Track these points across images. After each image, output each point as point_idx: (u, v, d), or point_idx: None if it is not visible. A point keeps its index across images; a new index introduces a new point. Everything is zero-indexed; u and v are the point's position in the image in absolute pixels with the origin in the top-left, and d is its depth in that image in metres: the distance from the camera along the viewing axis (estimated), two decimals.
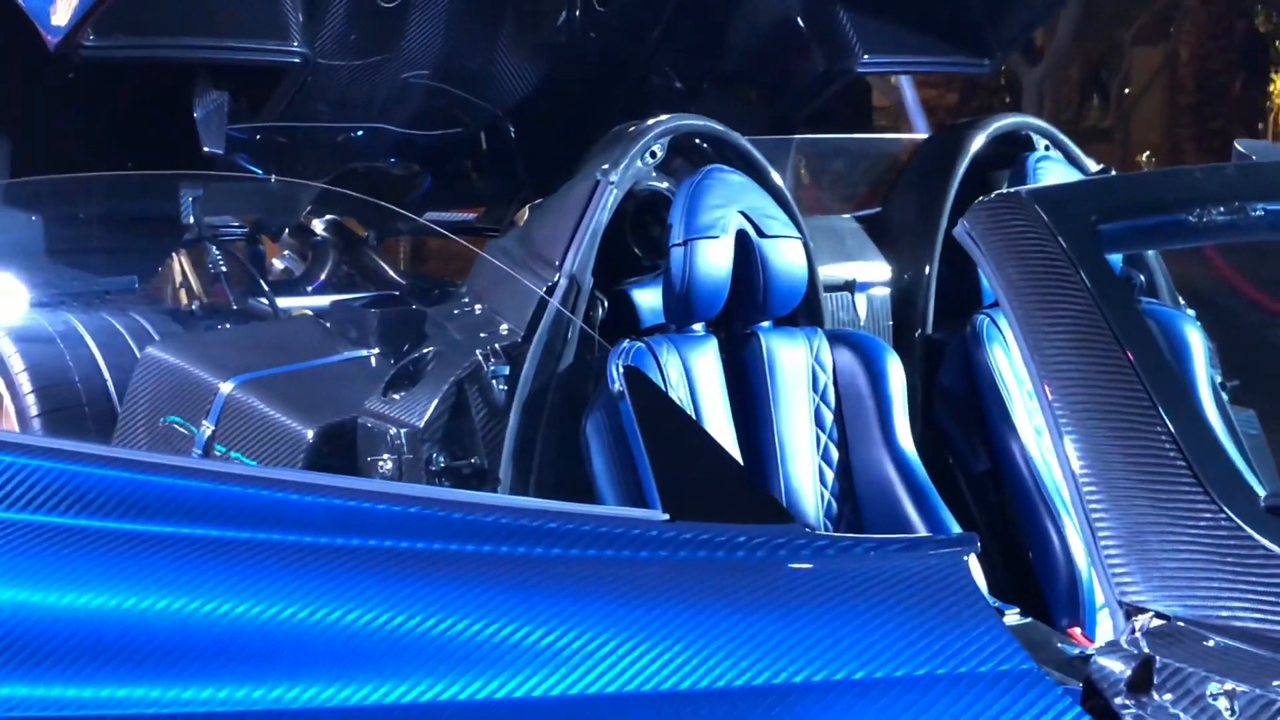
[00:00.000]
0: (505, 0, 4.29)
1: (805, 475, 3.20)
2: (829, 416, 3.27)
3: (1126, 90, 15.31)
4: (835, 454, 3.26)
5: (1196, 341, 3.41)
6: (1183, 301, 3.63)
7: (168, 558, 2.18)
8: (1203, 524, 2.09)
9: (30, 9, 3.64)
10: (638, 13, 4.47)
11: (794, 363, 3.26)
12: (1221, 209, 2.64)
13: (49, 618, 2.19)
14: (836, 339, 3.32)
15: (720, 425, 3.18)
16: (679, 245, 3.12)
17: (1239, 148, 3.19)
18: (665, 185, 3.28)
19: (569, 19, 4.38)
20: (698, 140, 3.34)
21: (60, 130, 4.26)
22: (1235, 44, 14.22)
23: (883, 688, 1.93)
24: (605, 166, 3.22)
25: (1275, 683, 1.86)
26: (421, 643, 2.07)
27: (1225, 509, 2.08)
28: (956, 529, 3.15)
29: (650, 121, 3.32)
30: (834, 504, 3.20)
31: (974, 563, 2.07)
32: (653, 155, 3.28)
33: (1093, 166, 3.69)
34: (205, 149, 4.05)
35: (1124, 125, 15.03)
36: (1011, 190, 2.75)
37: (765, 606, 2.03)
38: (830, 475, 3.25)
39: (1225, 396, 3.50)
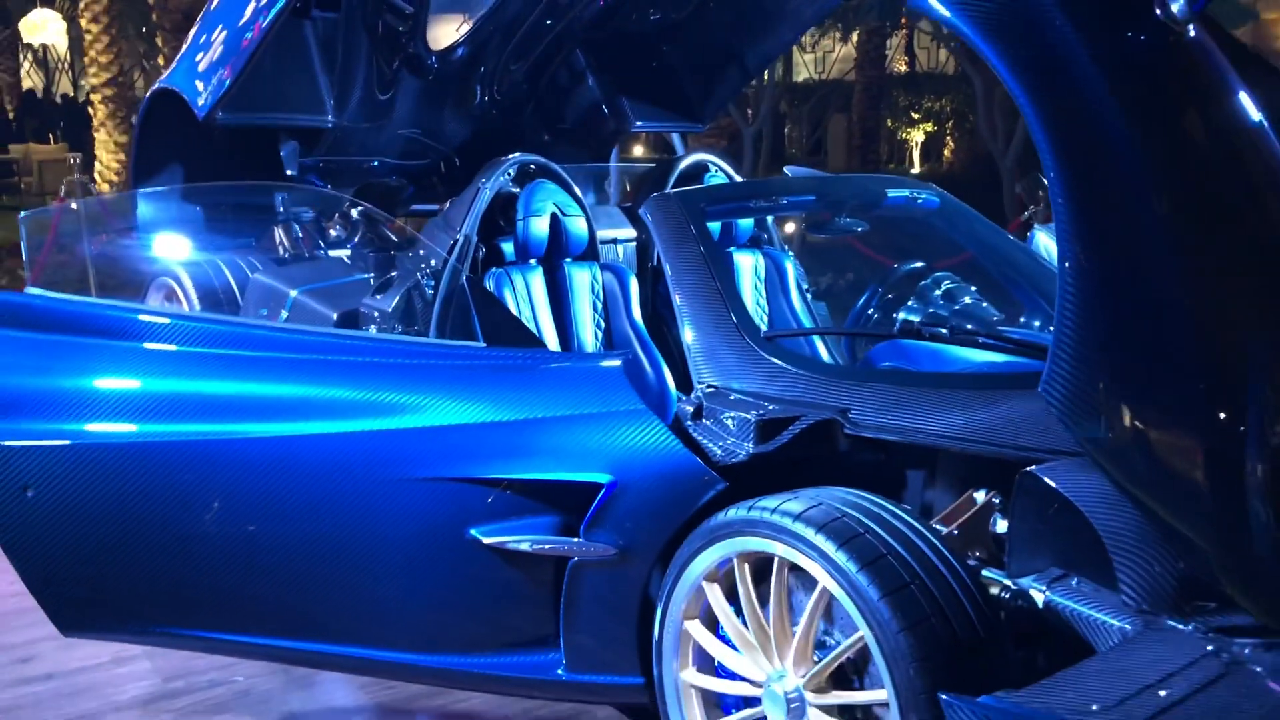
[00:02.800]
0: (446, 93, 4.46)
1: (587, 335, 3.49)
2: (600, 307, 3.51)
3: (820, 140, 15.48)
4: (603, 325, 3.52)
5: (790, 268, 3.76)
6: (786, 247, 3.97)
7: (255, 364, 2.59)
8: (737, 345, 2.61)
9: (186, 97, 3.83)
10: (519, 101, 4.66)
11: (583, 280, 3.47)
12: (764, 200, 3.18)
13: (202, 395, 2.58)
14: (605, 267, 3.53)
15: (545, 314, 3.42)
16: (522, 219, 3.36)
17: (786, 170, 3.70)
18: (516, 189, 3.46)
19: (482, 102, 4.57)
20: (532, 166, 3.55)
21: (212, 163, 4.42)
22: (882, 114, 14.42)
23: (575, 418, 2.37)
24: (483, 180, 3.44)
25: (751, 413, 2.33)
26: (354, 401, 2.47)
27: (747, 339, 2.61)
28: (661, 361, 3.38)
29: (509, 156, 3.55)
30: (601, 349, 3.49)
31: (670, 376, 2.55)
32: (509, 174, 3.50)
33: (738, 179, 3.97)
34: (287, 172, 4.24)
35: (811, 159, 15.26)
36: (665, 191, 3.24)
37: (527, 380, 2.46)
38: (599, 336, 3.51)
39: (809, 295, 3.82)
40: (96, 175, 12.77)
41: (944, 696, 1.82)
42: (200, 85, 3.78)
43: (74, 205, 5.02)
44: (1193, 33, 1.61)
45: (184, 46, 4.21)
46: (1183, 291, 1.58)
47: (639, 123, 4.71)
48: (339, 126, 4.18)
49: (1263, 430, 1.54)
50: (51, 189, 13.00)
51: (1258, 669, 1.83)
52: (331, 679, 2.90)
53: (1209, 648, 1.89)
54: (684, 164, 3.94)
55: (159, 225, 4.19)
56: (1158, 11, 1.60)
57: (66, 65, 25.81)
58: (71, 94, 23.84)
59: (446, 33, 4.46)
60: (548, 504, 2.39)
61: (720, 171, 3.94)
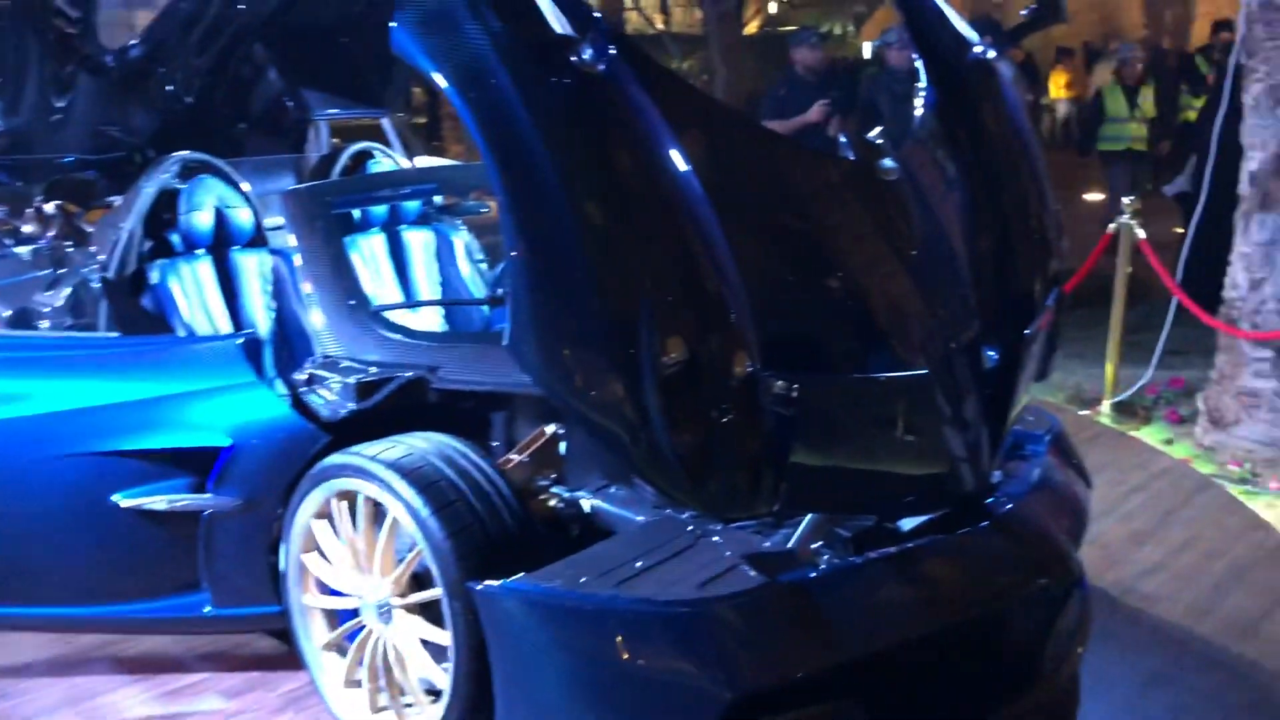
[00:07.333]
0: (130, 90, 4.64)
1: (260, 318, 3.59)
2: (271, 299, 3.62)
3: None
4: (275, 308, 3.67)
5: (459, 241, 4.06)
6: (459, 222, 4.18)
7: None
8: (353, 320, 2.97)
9: None
10: (207, 94, 4.83)
11: (251, 266, 3.64)
12: (389, 190, 3.66)
13: None
14: (274, 253, 3.65)
15: (215, 300, 3.53)
16: (184, 214, 3.53)
17: (415, 161, 4.18)
18: (182, 185, 3.59)
19: (169, 96, 4.76)
20: (194, 163, 3.66)
21: None
22: None
23: (197, 393, 2.80)
24: (144, 179, 3.57)
25: (352, 377, 2.77)
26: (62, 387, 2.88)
27: (361, 315, 3.04)
28: None
29: (172, 155, 3.68)
30: (273, 331, 3.59)
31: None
32: (172, 171, 3.61)
33: (404, 163, 4.34)
34: None
35: None
36: (295, 187, 3.51)
37: (153, 362, 2.88)
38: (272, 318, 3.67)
39: (482, 265, 4.09)
40: None
41: (471, 585, 2.40)
42: None
43: None
44: (602, 69, 2.20)
45: None
46: (592, 272, 2.18)
47: (326, 111, 4.99)
48: (14, 129, 4.43)
49: (654, 365, 2.16)
50: None
51: (717, 540, 2.49)
52: (11, 639, 3.25)
53: (690, 529, 2.54)
54: (346, 154, 4.33)
55: None
56: (573, 59, 2.17)
57: None
58: None
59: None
60: (180, 467, 2.85)
61: (386, 158, 4.35)
